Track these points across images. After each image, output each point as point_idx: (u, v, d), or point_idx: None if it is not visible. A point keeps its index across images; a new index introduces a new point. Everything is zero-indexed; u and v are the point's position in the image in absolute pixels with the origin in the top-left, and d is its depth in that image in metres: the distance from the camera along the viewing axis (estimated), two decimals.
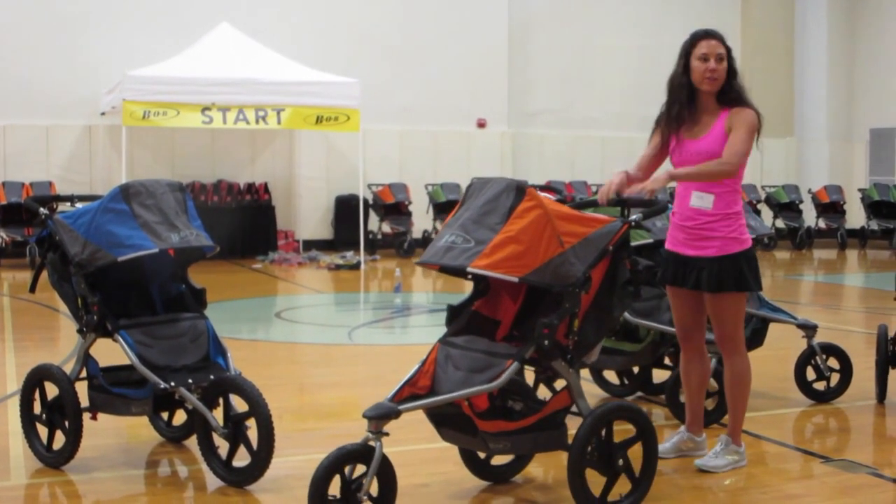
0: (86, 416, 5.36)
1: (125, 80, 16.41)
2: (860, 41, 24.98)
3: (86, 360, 5.42)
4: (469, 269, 4.31)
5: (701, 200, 5.26)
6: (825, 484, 5.36)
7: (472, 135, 21.76)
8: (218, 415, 5.18)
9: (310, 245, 19.88)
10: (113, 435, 6.10)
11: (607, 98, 22.40)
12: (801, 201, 22.76)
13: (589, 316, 4.58)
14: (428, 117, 21.27)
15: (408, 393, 4.42)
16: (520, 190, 4.40)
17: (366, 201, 19.34)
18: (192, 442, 5.58)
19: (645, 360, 6.76)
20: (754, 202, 21.81)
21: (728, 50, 5.30)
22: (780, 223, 22.47)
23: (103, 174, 18.88)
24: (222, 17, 18.57)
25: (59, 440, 5.42)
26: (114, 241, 5.17)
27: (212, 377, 5.25)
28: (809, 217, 22.95)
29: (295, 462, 5.42)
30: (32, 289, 5.84)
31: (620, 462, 4.61)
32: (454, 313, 4.80)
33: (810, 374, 7.07)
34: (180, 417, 5.85)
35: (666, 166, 5.38)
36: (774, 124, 24.24)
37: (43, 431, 5.52)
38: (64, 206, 5.88)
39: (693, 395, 5.65)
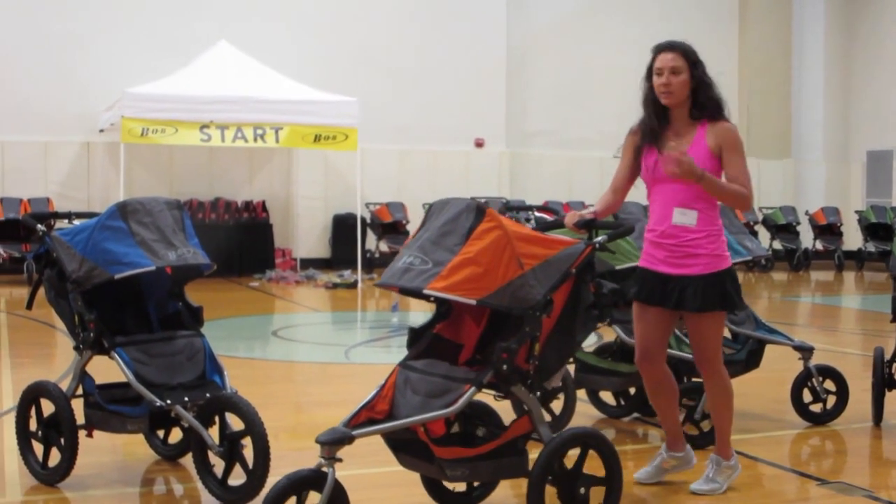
0: (81, 434, 5.35)
1: (124, 98, 16.44)
2: (857, 64, 25.06)
3: (82, 377, 5.41)
4: (426, 291, 4.22)
5: (684, 217, 5.15)
6: None
7: (470, 154, 21.80)
8: (214, 433, 5.16)
9: (307, 263, 19.88)
10: (108, 452, 6.09)
11: (605, 119, 22.38)
12: (799, 223, 22.82)
13: (551, 340, 4.48)
14: (426, 137, 21.32)
15: (365, 417, 4.32)
16: (479, 211, 4.31)
17: (363, 220, 19.37)
18: (188, 460, 5.56)
19: (637, 382, 6.74)
20: (751, 223, 21.83)
21: (694, 62, 5.20)
22: (777, 245, 22.52)
23: (101, 191, 18.91)
24: (221, 35, 18.62)
25: (55, 457, 5.40)
26: (111, 259, 5.18)
27: (208, 395, 5.24)
28: (807, 239, 22.99)
29: None
30: (29, 305, 5.84)
31: (582, 490, 4.53)
32: (415, 336, 4.68)
33: (807, 396, 7.06)
34: (176, 435, 5.84)
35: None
36: (772, 146, 24.33)
37: (39, 448, 5.51)
38: (62, 223, 5.88)
39: (665, 414, 5.53)
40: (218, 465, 5.17)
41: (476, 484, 5.00)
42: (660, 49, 5.26)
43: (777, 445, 6.66)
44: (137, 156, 18.67)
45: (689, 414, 6.31)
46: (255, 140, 16.89)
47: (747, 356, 6.99)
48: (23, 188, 18.43)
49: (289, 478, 4.10)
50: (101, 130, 18.63)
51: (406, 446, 4.46)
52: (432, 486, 4.97)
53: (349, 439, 4.12)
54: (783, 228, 22.64)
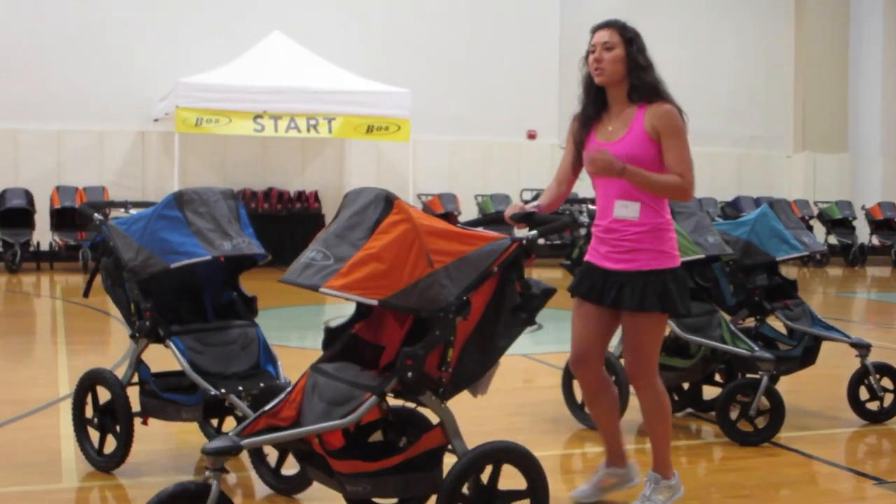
0: (137, 421, 5.39)
1: (178, 87, 16.58)
2: None
3: (138, 365, 5.45)
4: (322, 290, 3.80)
5: (626, 210, 4.67)
6: None
7: (522, 146, 21.75)
8: None
9: None
10: (163, 440, 6.14)
11: None
12: (855, 218, 22.57)
13: (470, 345, 4.02)
14: (478, 128, 21.30)
15: (264, 424, 3.92)
16: (388, 202, 3.90)
17: None
18: None
19: (695, 377, 6.71)
20: (807, 218, 21.62)
21: (628, 40, 4.77)
22: (832, 240, 22.27)
23: (155, 180, 19.08)
24: (274, 26, 18.72)
25: (111, 444, 5.45)
26: (167, 248, 5.21)
27: (262, 385, 5.26)
28: (863, 234, 22.71)
29: None
30: (86, 293, 5.89)
31: None
32: (331, 336, 4.27)
33: (863, 393, 6.97)
34: (230, 424, 5.87)
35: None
36: (828, 140, 24.07)
37: (94, 435, 5.57)
38: (117, 212, 5.93)
39: (606, 424, 5.01)
40: (271, 454, 5.19)
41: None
42: (595, 27, 4.87)
43: (833, 443, 6.59)
44: (191, 145, 18.81)
45: (743, 410, 6.25)
46: (308, 130, 16.98)
47: (803, 353, 6.92)
48: (79, 177, 18.63)
49: (170, 490, 3.74)
50: (156, 120, 18.82)
51: (310, 458, 4.08)
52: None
53: (237, 449, 3.72)
54: (839, 223, 22.40)
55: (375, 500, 4.31)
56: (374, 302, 3.80)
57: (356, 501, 4.37)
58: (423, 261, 3.83)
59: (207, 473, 3.69)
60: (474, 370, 4.09)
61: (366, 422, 3.99)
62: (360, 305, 4.23)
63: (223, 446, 3.69)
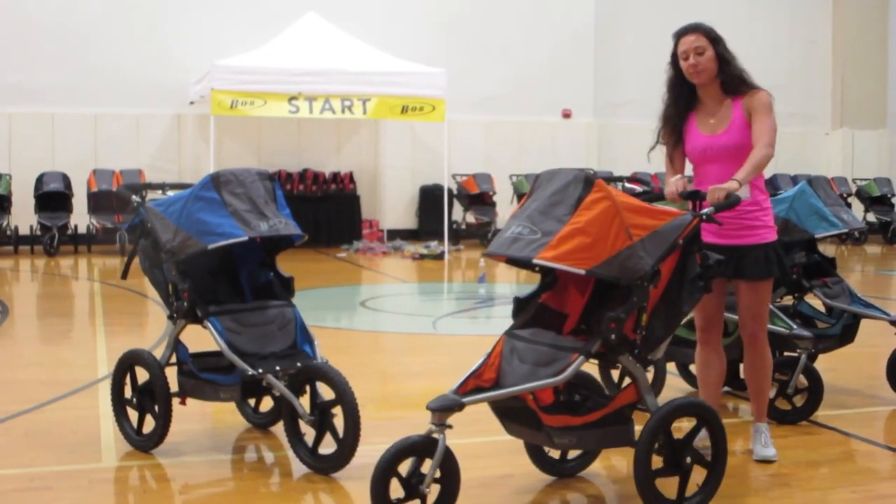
0: (175, 401, 5.43)
1: (214, 70, 16.62)
2: None
3: (176, 345, 5.49)
4: (535, 261, 4.24)
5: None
6: None
7: (557, 125, 21.67)
8: (304, 402, 5.21)
9: (394, 234, 19.97)
10: (200, 420, 6.18)
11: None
12: (893, 195, 22.34)
13: (658, 310, 4.49)
14: (513, 107, 21.24)
15: (472, 385, 4.37)
16: (588, 181, 4.33)
17: (450, 191, 19.39)
18: (279, 428, 5.63)
19: (732, 355, 6.66)
20: (845, 195, 21.42)
21: (714, 39, 5.34)
22: (871, 217, 22.06)
23: (192, 162, 19.19)
24: (309, 7, 18.73)
25: (149, 424, 5.50)
26: (204, 229, 5.22)
27: (299, 365, 5.28)
28: None
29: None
30: (124, 275, 5.92)
31: (689, 459, 4.51)
32: (521, 305, 4.72)
33: None
34: (267, 404, 5.91)
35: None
36: (866, 116, 23.83)
37: (133, 415, 5.61)
38: (154, 194, 5.96)
39: (711, 391, 5.57)
40: (308, 433, 5.22)
41: (575, 454, 5.12)
42: (680, 33, 5.37)
43: (871, 422, 6.54)
44: (227, 127, 18.89)
45: (781, 388, 6.22)
46: (343, 112, 16.99)
47: (842, 331, 6.85)
48: (115, 160, 18.73)
49: (400, 443, 4.20)
50: (192, 103, 18.89)
51: (513, 414, 4.51)
52: (536, 453, 5.06)
53: (460, 406, 4.17)
54: (878, 200, 22.18)
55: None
56: (582, 271, 4.21)
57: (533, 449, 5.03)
58: (623, 234, 4.27)
59: (433, 428, 4.16)
60: (661, 333, 4.53)
61: None
62: (545, 276, 4.72)
63: (447, 403, 4.16)
